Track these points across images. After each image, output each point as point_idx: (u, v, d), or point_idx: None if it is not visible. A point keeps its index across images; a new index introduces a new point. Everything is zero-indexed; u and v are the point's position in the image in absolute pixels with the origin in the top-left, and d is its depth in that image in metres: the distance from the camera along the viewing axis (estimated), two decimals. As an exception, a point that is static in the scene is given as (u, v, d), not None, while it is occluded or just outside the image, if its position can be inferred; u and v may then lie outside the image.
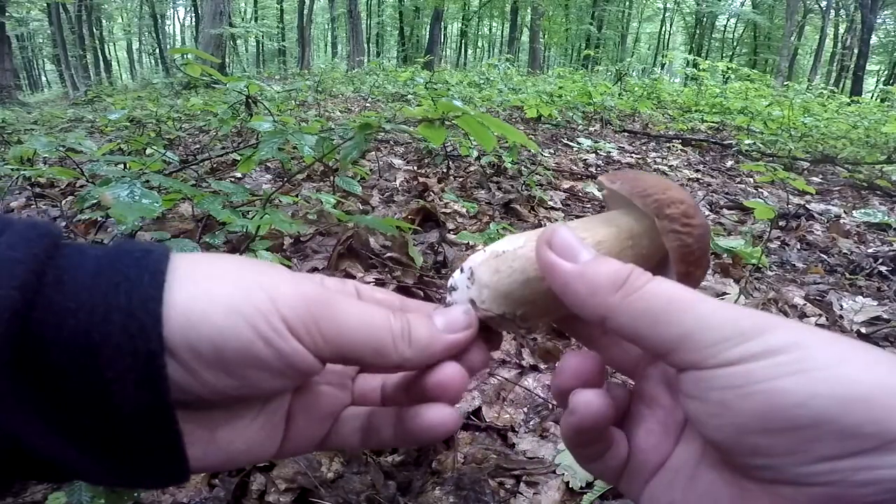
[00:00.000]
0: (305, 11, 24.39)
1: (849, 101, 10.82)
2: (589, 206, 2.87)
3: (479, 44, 40.29)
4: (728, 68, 11.15)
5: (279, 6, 33.11)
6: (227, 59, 16.43)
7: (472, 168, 3.23)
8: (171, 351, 0.26)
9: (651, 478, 0.32)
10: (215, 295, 0.27)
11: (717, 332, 0.25)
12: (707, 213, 3.07)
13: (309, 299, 0.29)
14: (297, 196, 2.13)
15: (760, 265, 2.12)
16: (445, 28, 31.67)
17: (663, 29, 35.83)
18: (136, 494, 0.87)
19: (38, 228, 0.27)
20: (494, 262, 0.35)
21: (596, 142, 4.49)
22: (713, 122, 6.89)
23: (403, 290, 1.61)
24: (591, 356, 0.33)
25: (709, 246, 0.34)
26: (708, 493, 0.28)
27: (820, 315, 1.72)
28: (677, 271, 0.33)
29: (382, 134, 3.48)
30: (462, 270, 0.37)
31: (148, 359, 0.25)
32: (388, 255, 1.74)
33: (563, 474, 1.03)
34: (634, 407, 0.35)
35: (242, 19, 31.31)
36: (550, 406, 1.22)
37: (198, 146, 3.83)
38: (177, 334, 0.26)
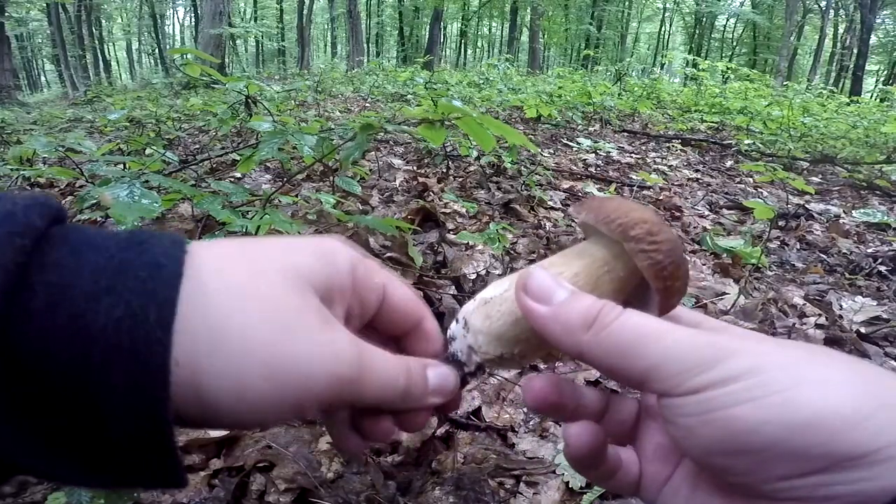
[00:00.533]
0: (305, 11, 24.39)
1: (848, 100, 10.82)
2: (588, 206, 2.86)
3: (479, 44, 40.29)
4: (727, 68, 11.15)
5: (279, 6, 33.10)
6: (226, 60, 16.43)
7: (471, 168, 3.24)
8: (180, 398, 0.24)
9: (663, 486, 0.35)
10: (241, 393, 0.25)
11: (680, 363, 0.27)
12: (707, 212, 3.07)
13: (342, 385, 0.28)
14: (296, 196, 2.13)
15: (760, 265, 2.12)
16: (445, 28, 31.68)
17: (663, 29, 35.84)
18: (135, 495, 0.87)
19: (23, 215, 0.24)
20: (484, 308, 0.37)
21: (595, 142, 4.49)
22: (713, 122, 6.89)
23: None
24: (551, 382, 0.35)
25: (681, 257, 0.35)
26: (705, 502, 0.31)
27: (819, 315, 1.72)
28: (655, 288, 0.35)
29: (382, 134, 3.48)
30: (457, 321, 0.39)
31: (151, 410, 0.24)
32: (388, 255, 1.74)
33: (563, 474, 1.03)
34: (643, 421, 0.37)
35: (242, 19, 31.30)
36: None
37: (197, 146, 3.83)
38: (189, 396, 0.25)
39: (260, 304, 0.26)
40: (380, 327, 0.37)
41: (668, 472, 0.35)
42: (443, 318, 1.54)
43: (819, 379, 0.25)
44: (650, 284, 0.35)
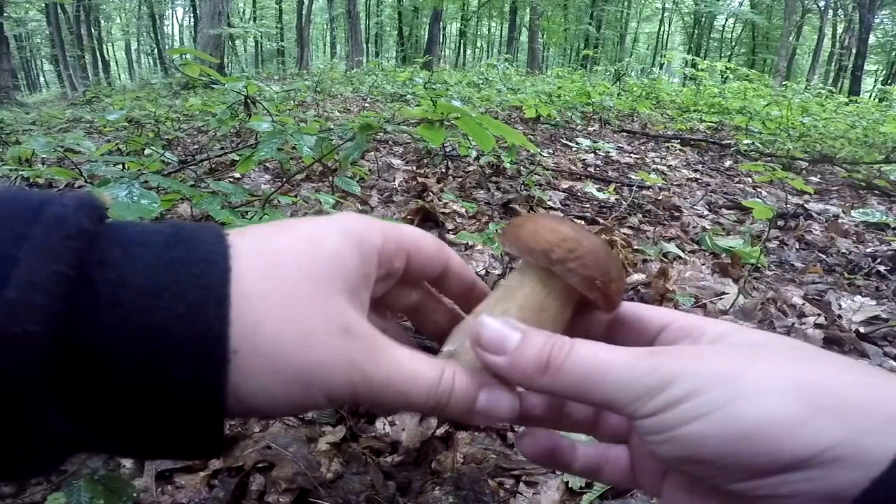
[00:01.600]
0: (304, 12, 24.39)
1: (847, 100, 10.84)
2: (588, 206, 2.87)
3: (478, 44, 40.29)
4: (726, 68, 11.16)
5: (278, 6, 33.09)
6: (225, 60, 16.43)
7: (471, 168, 3.24)
8: (240, 398, 0.27)
9: (663, 479, 0.37)
10: (273, 395, 0.28)
11: (629, 393, 0.29)
12: (706, 212, 3.07)
13: (356, 389, 0.30)
14: (296, 196, 2.13)
15: (759, 265, 2.12)
16: (444, 28, 31.68)
17: (662, 29, 35.86)
18: (135, 495, 0.87)
19: (74, 218, 0.25)
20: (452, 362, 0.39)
21: (595, 142, 4.49)
22: (712, 122, 6.90)
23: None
24: (542, 441, 0.40)
25: (607, 260, 0.36)
26: (701, 495, 0.33)
27: (818, 314, 1.72)
28: (593, 299, 0.36)
29: (381, 134, 3.48)
30: None
31: (212, 397, 0.26)
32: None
33: (563, 474, 1.03)
34: None
35: (241, 19, 31.29)
36: (550, 406, 1.22)
37: (196, 146, 3.83)
38: (249, 392, 0.28)
39: (290, 311, 0.28)
40: (411, 279, 0.39)
41: (662, 469, 0.37)
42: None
43: (755, 389, 0.27)
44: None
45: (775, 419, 0.26)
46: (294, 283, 0.29)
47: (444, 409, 0.33)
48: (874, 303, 1.86)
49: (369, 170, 2.96)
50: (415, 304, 0.42)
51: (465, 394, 0.33)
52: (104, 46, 32.70)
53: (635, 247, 2.18)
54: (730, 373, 0.28)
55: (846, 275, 2.18)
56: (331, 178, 2.16)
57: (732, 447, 0.27)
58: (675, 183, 3.65)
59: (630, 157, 4.39)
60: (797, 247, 2.58)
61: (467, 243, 1.93)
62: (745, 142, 5.09)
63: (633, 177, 3.58)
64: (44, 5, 20.67)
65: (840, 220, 3.03)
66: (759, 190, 3.74)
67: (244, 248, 0.28)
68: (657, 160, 4.40)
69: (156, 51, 34.06)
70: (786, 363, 0.28)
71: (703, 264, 2.13)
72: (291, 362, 0.28)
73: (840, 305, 1.84)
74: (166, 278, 0.25)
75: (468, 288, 0.41)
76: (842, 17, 26.77)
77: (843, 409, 0.26)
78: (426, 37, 25.84)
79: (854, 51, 19.85)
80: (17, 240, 0.23)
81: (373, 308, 0.36)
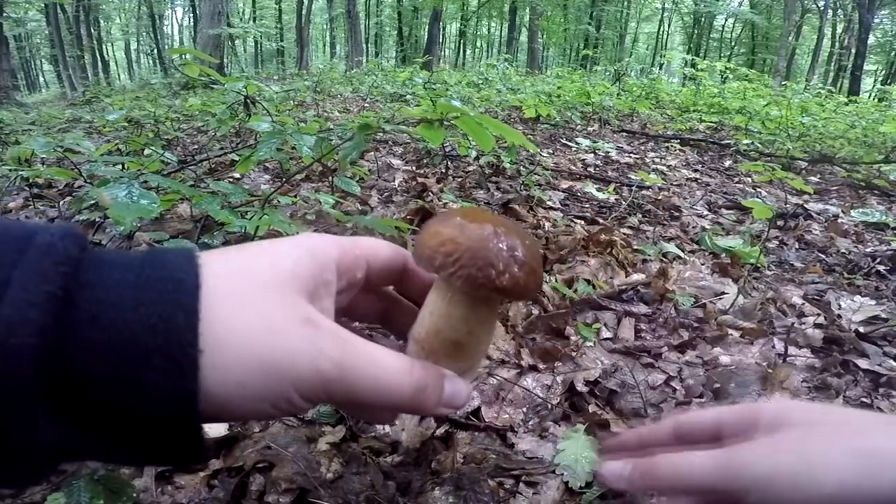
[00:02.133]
0: (304, 12, 24.38)
1: (847, 100, 10.83)
2: (588, 206, 2.87)
3: (478, 44, 40.28)
4: (726, 68, 11.16)
5: (277, 6, 33.08)
6: (225, 60, 16.42)
7: (470, 168, 3.24)
8: (211, 402, 0.29)
9: None
10: (243, 384, 0.30)
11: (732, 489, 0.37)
12: (705, 212, 3.07)
13: (326, 379, 0.31)
14: (295, 196, 2.13)
15: (759, 265, 2.13)
16: (444, 28, 31.66)
17: (661, 29, 35.85)
18: (135, 495, 0.87)
19: (62, 246, 0.28)
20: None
21: (594, 142, 4.49)
22: (711, 122, 6.90)
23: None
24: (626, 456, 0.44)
25: (489, 252, 0.34)
26: None
27: (818, 314, 1.72)
28: (487, 296, 0.36)
29: (381, 134, 3.48)
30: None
31: (185, 400, 0.28)
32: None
33: (563, 474, 1.03)
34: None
35: (241, 19, 31.27)
36: (549, 406, 1.22)
37: (196, 146, 3.83)
38: (216, 393, 0.29)
39: (255, 309, 0.31)
40: (374, 286, 0.42)
41: None
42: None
43: (828, 464, 0.34)
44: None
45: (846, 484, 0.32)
46: (257, 288, 0.31)
47: (421, 400, 0.34)
48: (874, 303, 1.86)
49: (369, 170, 2.96)
50: (383, 311, 0.44)
51: (437, 384, 0.36)
52: (104, 46, 32.68)
53: (635, 247, 2.18)
54: (794, 462, 0.35)
55: (846, 275, 2.18)
56: (330, 178, 2.16)
57: None
58: (674, 183, 3.65)
59: (630, 157, 4.39)
60: (797, 247, 2.58)
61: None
62: (745, 142, 5.09)
63: (632, 177, 3.58)
64: (43, 5, 20.65)
65: (840, 220, 3.04)
66: (758, 190, 3.75)
67: (212, 266, 0.31)
68: (657, 160, 4.40)
69: (155, 51, 34.05)
70: (842, 434, 0.35)
71: (702, 264, 2.13)
72: (256, 351, 0.30)
73: (840, 305, 1.84)
74: (140, 295, 0.28)
75: (428, 286, 0.43)
76: (841, 17, 26.78)
77: None
78: (426, 37, 25.84)
79: (853, 51, 19.85)
80: (11, 265, 0.26)
81: (342, 320, 0.39)
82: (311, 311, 0.32)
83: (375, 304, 0.44)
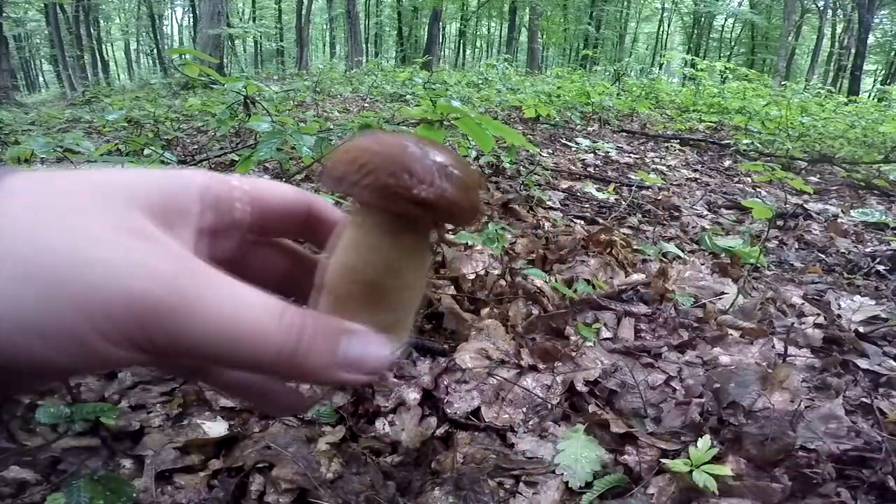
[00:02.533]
0: (303, 12, 24.38)
1: (846, 100, 10.83)
2: (587, 205, 2.87)
3: (478, 44, 40.28)
4: (726, 68, 11.16)
5: (277, 6, 33.07)
6: (225, 60, 16.41)
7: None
8: None
9: None
10: (20, 309, 0.20)
11: None
12: (705, 212, 3.07)
13: (147, 308, 0.21)
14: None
15: (759, 265, 2.13)
16: (444, 28, 31.65)
17: (661, 29, 35.85)
18: (134, 495, 0.87)
19: None
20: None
21: (594, 142, 4.50)
22: (711, 122, 6.90)
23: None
24: None
25: (404, 160, 0.27)
26: None
27: (818, 314, 1.72)
28: (415, 224, 0.29)
29: (381, 134, 3.47)
30: None
31: None
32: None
33: (563, 474, 1.03)
34: None
35: (240, 19, 31.27)
36: (549, 406, 1.22)
37: (196, 146, 3.83)
38: None
39: (58, 214, 0.22)
40: (270, 233, 0.33)
41: None
42: (442, 318, 1.54)
43: None
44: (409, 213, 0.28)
45: None
46: (73, 201, 0.22)
47: (296, 357, 0.25)
48: (873, 302, 1.86)
49: (369, 170, 2.95)
50: (287, 272, 0.35)
51: (327, 337, 0.26)
52: (103, 46, 32.67)
53: (635, 247, 2.18)
54: None
55: (845, 274, 2.18)
56: (330, 178, 2.15)
57: None
58: (674, 183, 3.65)
59: (629, 156, 4.39)
60: (796, 246, 2.58)
61: (466, 243, 1.93)
62: (745, 142, 5.09)
63: (632, 177, 3.58)
64: (43, 5, 20.65)
65: (839, 220, 3.04)
66: (758, 190, 3.75)
67: (14, 180, 0.22)
68: (656, 160, 4.40)
69: (155, 51, 34.04)
70: None
71: (702, 264, 2.13)
72: (56, 264, 0.20)
73: (839, 305, 1.84)
74: None
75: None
76: (841, 17, 26.78)
77: None
78: (426, 37, 25.84)
79: (853, 51, 19.85)
80: None
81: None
82: (146, 225, 0.23)
83: (277, 262, 0.35)
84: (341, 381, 0.28)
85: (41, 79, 37.28)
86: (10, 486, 0.92)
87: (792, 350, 1.45)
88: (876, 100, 14.61)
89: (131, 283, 0.21)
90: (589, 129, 5.62)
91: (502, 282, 1.64)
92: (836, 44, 27.07)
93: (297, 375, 0.26)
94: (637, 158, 4.36)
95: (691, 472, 1.00)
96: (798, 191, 2.56)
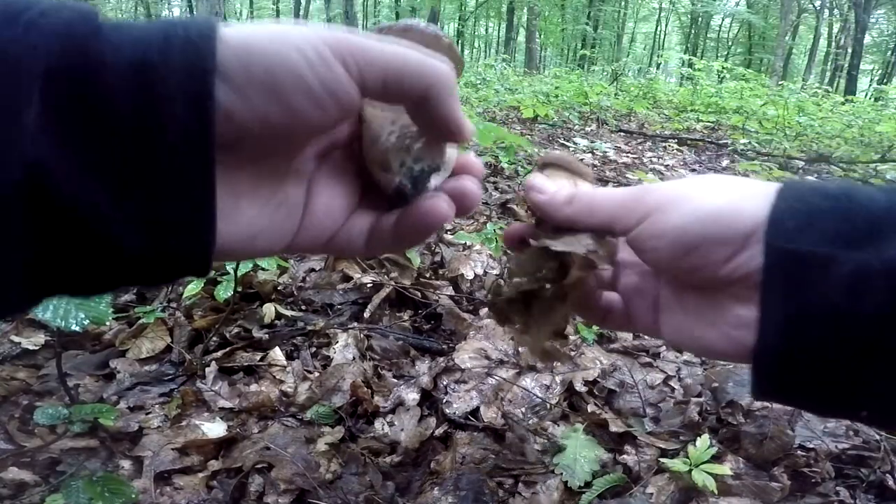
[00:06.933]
0: (301, 12, 24.36)
1: (843, 100, 10.86)
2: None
3: (476, 44, 40.30)
4: (723, 68, 11.17)
5: (275, 7, 33.06)
6: (222, 60, 16.36)
7: (468, 168, 3.23)
8: (225, 74, 0.27)
9: (656, 315, 0.42)
10: (266, 29, 0.29)
11: (620, 207, 0.38)
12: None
13: (352, 38, 0.30)
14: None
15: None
16: (442, 28, 31.54)
17: (659, 29, 35.91)
18: (134, 496, 0.87)
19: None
20: None
21: (592, 142, 4.50)
22: (709, 122, 6.91)
23: (401, 291, 1.61)
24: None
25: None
26: (687, 317, 0.39)
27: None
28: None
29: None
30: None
31: (202, 75, 0.26)
32: (386, 255, 1.74)
33: (562, 474, 1.03)
34: (621, 273, 0.46)
35: (238, 20, 31.28)
36: (548, 406, 1.22)
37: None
38: (232, 59, 0.27)
39: (273, 29, 0.29)
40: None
41: (650, 300, 0.42)
42: (441, 318, 1.54)
43: (704, 190, 0.36)
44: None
45: (728, 205, 0.34)
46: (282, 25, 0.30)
47: (453, 77, 0.33)
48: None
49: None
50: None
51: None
52: (100, 47, 32.58)
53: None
54: (681, 186, 0.37)
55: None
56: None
57: (704, 227, 0.34)
58: (672, 182, 3.66)
59: (627, 156, 4.39)
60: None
61: (465, 243, 1.93)
62: (742, 141, 5.11)
63: (630, 176, 3.58)
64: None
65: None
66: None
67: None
68: (654, 160, 4.40)
69: (152, 51, 33.95)
70: (716, 179, 0.37)
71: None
72: (285, 25, 0.29)
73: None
74: (159, 31, 0.27)
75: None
76: (837, 16, 26.85)
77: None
78: (423, 37, 25.72)
79: (850, 50, 19.91)
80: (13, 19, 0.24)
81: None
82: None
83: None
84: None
85: (38, 79, 37.16)
86: (8, 488, 0.92)
87: (790, 349, 1.45)
88: (872, 99, 14.65)
89: (342, 31, 0.30)
90: (587, 128, 5.63)
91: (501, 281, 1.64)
92: (833, 43, 27.14)
93: (455, 98, 0.33)
94: (635, 158, 4.36)
95: (690, 471, 1.00)
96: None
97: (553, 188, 0.42)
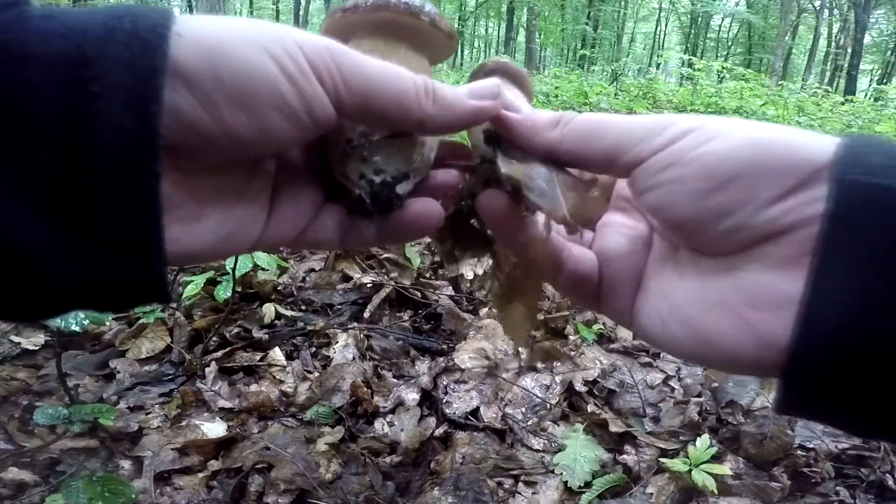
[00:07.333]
0: (301, 13, 24.37)
1: (843, 100, 10.86)
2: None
3: (476, 44, 40.31)
4: (723, 68, 11.18)
5: (275, 7, 33.07)
6: (222, 60, 16.36)
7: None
8: (186, 76, 0.23)
9: (635, 295, 0.33)
10: (235, 28, 0.25)
11: (635, 133, 0.29)
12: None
13: (331, 46, 0.27)
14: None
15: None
16: (441, 28, 31.49)
17: (658, 29, 35.93)
18: (133, 496, 0.87)
19: None
20: None
21: (592, 142, 4.50)
22: (708, 122, 6.90)
23: (401, 291, 1.61)
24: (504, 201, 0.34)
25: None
26: (682, 299, 0.30)
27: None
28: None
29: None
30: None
31: (146, 74, 0.22)
32: (385, 255, 1.74)
33: (562, 474, 1.03)
34: (599, 229, 0.37)
35: (238, 20, 31.21)
36: (548, 406, 1.22)
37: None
38: (196, 59, 0.23)
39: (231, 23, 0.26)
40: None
41: (632, 273, 0.34)
42: (440, 318, 1.54)
43: (757, 125, 0.28)
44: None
45: (781, 136, 0.26)
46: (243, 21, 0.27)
47: (430, 90, 0.29)
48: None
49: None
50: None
51: (445, 86, 0.31)
52: (100, 47, 32.57)
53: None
54: (720, 119, 0.29)
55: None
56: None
57: (755, 153, 0.26)
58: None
59: (627, 156, 4.40)
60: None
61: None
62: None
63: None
64: (39, 5, 20.59)
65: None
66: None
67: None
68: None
69: (152, 51, 33.93)
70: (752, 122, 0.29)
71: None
72: (258, 23, 0.26)
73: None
74: (102, 10, 0.23)
75: None
76: (837, 16, 26.87)
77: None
78: (423, 37, 25.73)
79: (849, 50, 19.93)
80: None
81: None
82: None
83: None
84: (473, 110, 0.31)
85: (38, 79, 37.15)
86: (8, 488, 0.92)
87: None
88: (872, 99, 14.66)
89: (320, 37, 0.27)
90: (587, 128, 5.63)
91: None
92: (833, 43, 27.16)
93: (435, 108, 0.29)
94: (635, 158, 4.36)
95: (690, 471, 1.01)
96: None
97: (528, 107, 0.34)
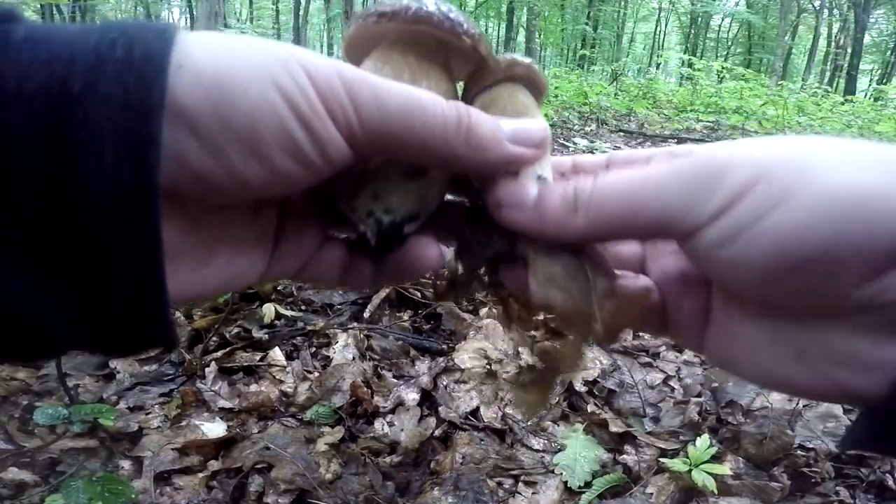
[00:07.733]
0: (301, 12, 24.36)
1: (842, 100, 10.87)
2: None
3: (475, 44, 40.27)
4: (723, 68, 11.19)
5: (275, 6, 33.06)
6: (222, 60, 16.36)
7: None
8: (186, 115, 0.20)
9: (703, 330, 0.30)
10: (239, 53, 0.22)
11: (680, 197, 0.24)
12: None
13: (343, 74, 0.23)
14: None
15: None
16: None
17: (658, 29, 35.93)
18: (133, 496, 0.87)
19: None
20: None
21: (592, 142, 4.50)
22: (708, 122, 6.92)
23: (401, 291, 1.61)
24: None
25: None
26: (760, 345, 0.27)
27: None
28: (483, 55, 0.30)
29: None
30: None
31: (141, 115, 0.19)
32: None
33: (562, 474, 1.03)
34: (652, 253, 0.34)
35: (238, 20, 31.25)
36: (548, 406, 1.22)
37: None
38: (197, 95, 0.20)
39: (234, 43, 0.23)
40: None
41: (698, 304, 0.30)
42: (440, 318, 1.54)
43: (834, 161, 0.22)
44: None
45: (878, 187, 0.21)
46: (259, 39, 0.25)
47: (464, 126, 0.26)
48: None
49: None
50: None
51: (485, 119, 0.27)
52: (100, 47, 32.55)
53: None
54: (791, 151, 0.23)
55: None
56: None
57: (842, 225, 0.21)
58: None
59: (627, 156, 4.40)
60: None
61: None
62: (742, 141, 5.10)
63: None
64: (39, 6, 20.61)
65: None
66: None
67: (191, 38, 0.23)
68: (654, 160, 4.40)
69: (152, 51, 33.89)
70: (832, 142, 0.23)
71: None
72: (270, 50, 0.23)
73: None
74: (94, 28, 0.21)
75: None
76: (837, 16, 26.88)
77: None
78: (423, 37, 25.73)
79: (849, 50, 19.93)
80: None
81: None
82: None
83: None
84: (511, 158, 0.27)
85: (37, 79, 37.14)
86: (8, 488, 0.92)
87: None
88: (872, 99, 14.67)
89: (334, 63, 0.24)
90: (586, 128, 5.63)
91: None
92: (833, 43, 27.17)
93: (469, 147, 0.26)
94: (635, 158, 4.36)
95: (690, 471, 1.00)
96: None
97: (531, 188, 0.28)
